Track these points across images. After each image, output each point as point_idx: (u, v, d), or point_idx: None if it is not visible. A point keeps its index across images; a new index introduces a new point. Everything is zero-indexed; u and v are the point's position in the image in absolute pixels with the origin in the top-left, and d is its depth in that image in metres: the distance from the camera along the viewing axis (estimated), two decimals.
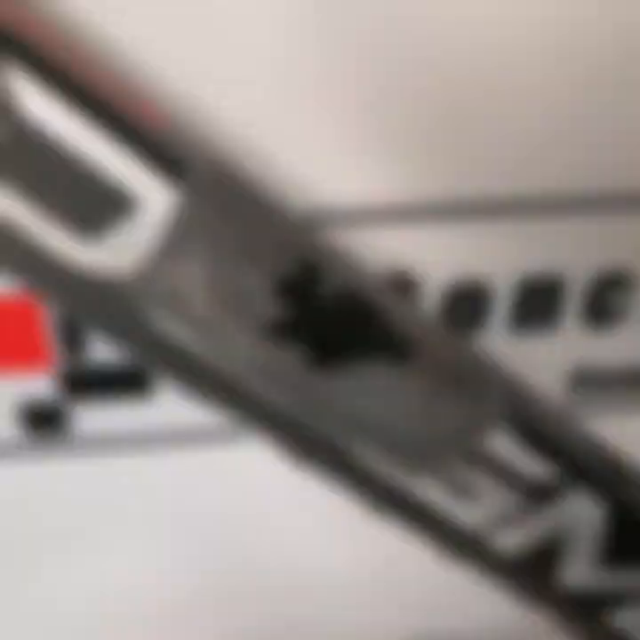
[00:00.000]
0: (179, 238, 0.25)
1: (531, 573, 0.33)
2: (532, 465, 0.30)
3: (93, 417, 0.44)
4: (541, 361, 0.45)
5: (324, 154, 0.36)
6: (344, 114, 0.35)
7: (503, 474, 0.30)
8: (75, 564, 0.54)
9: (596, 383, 0.47)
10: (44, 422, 0.44)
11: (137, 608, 0.59)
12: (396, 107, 0.35)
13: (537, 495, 0.30)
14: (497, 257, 0.41)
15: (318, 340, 0.28)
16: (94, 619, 0.59)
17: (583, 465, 0.32)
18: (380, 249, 0.39)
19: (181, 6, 0.31)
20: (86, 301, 0.26)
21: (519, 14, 0.33)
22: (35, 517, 0.51)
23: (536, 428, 0.31)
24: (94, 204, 0.24)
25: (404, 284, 0.40)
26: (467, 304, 0.42)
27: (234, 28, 0.32)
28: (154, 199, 0.25)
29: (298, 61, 0.33)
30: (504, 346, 0.43)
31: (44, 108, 0.23)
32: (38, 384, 0.42)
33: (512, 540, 0.31)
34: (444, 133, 0.36)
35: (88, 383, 0.42)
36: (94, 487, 0.49)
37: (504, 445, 0.29)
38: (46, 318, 0.40)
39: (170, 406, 0.44)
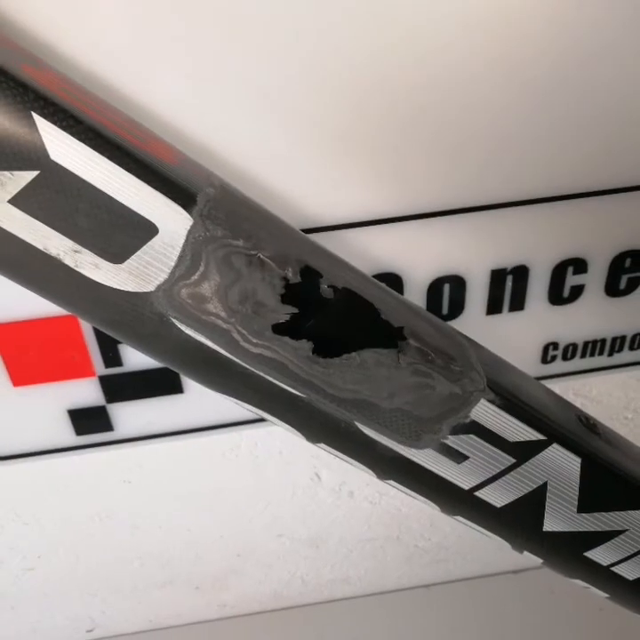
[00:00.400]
0: (193, 256, 0.25)
1: (519, 521, 0.33)
2: (512, 428, 0.30)
3: (131, 414, 0.44)
4: (515, 338, 0.45)
5: (318, 175, 0.36)
6: (335, 143, 0.35)
7: (488, 438, 0.30)
8: (116, 535, 0.54)
9: (562, 353, 0.46)
10: (90, 421, 0.44)
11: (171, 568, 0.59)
12: (377, 136, 0.35)
13: (519, 454, 0.30)
14: (471, 251, 0.40)
15: (320, 334, 0.27)
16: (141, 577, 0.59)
17: (557, 425, 0.31)
18: (371, 251, 0.39)
19: (180, 54, 0.31)
20: (117, 317, 0.26)
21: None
22: (85, 499, 0.51)
23: (515, 395, 0.31)
24: (119, 233, 0.24)
25: (393, 280, 0.40)
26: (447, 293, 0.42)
27: (232, 70, 0.32)
28: (169, 224, 0.24)
29: (296, 102, 0.33)
30: (482, 327, 0.43)
31: (70, 152, 0.23)
32: (84, 390, 0.42)
33: (500, 493, 0.31)
34: (414, 152, 0.36)
35: (126, 386, 0.42)
36: (133, 472, 0.50)
37: (487, 413, 0.29)
38: (88, 334, 0.40)
39: (197, 402, 0.44)
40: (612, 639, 0.62)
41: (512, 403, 0.30)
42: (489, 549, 0.63)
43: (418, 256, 0.40)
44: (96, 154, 0.23)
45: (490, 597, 0.65)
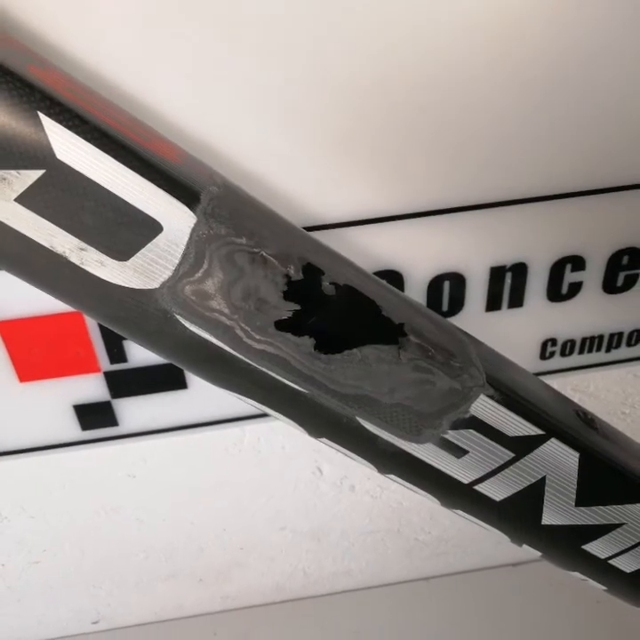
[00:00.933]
0: (196, 253, 0.25)
1: (518, 515, 0.33)
2: (511, 423, 0.30)
3: (136, 410, 0.44)
4: (514, 334, 0.45)
5: (319, 173, 0.36)
6: (337, 142, 0.35)
7: (487, 433, 0.30)
8: (121, 529, 0.54)
9: (561, 349, 0.46)
10: (95, 417, 0.44)
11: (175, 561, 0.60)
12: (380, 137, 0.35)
13: (518, 449, 0.30)
14: (470, 249, 0.40)
15: (322, 331, 0.27)
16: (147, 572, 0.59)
17: (555, 421, 0.31)
18: (372, 249, 0.39)
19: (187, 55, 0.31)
20: (121, 314, 0.26)
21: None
22: (90, 494, 0.51)
23: (514, 391, 0.31)
24: (124, 231, 0.24)
25: (393, 277, 0.40)
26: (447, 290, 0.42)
27: (233, 70, 0.32)
28: (174, 222, 0.25)
29: (297, 102, 0.33)
30: (481, 324, 0.43)
31: (76, 151, 0.23)
32: (90, 385, 0.42)
33: (500, 487, 0.31)
34: (413, 153, 0.36)
35: (131, 382, 0.42)
36: (137, 467, 0.50)
37: (487, 409, 0.29)
38: (93, 331, 0.40)
39: (201, 398, 0.44)
40: (609, 631, 0.62)
41: (511, 398, 0.30)
42: (488, 542, 0.63)
43: (418, 254, 0.40)
44: (101, 153, 0.23)
45: (489, 590, 0.65)
